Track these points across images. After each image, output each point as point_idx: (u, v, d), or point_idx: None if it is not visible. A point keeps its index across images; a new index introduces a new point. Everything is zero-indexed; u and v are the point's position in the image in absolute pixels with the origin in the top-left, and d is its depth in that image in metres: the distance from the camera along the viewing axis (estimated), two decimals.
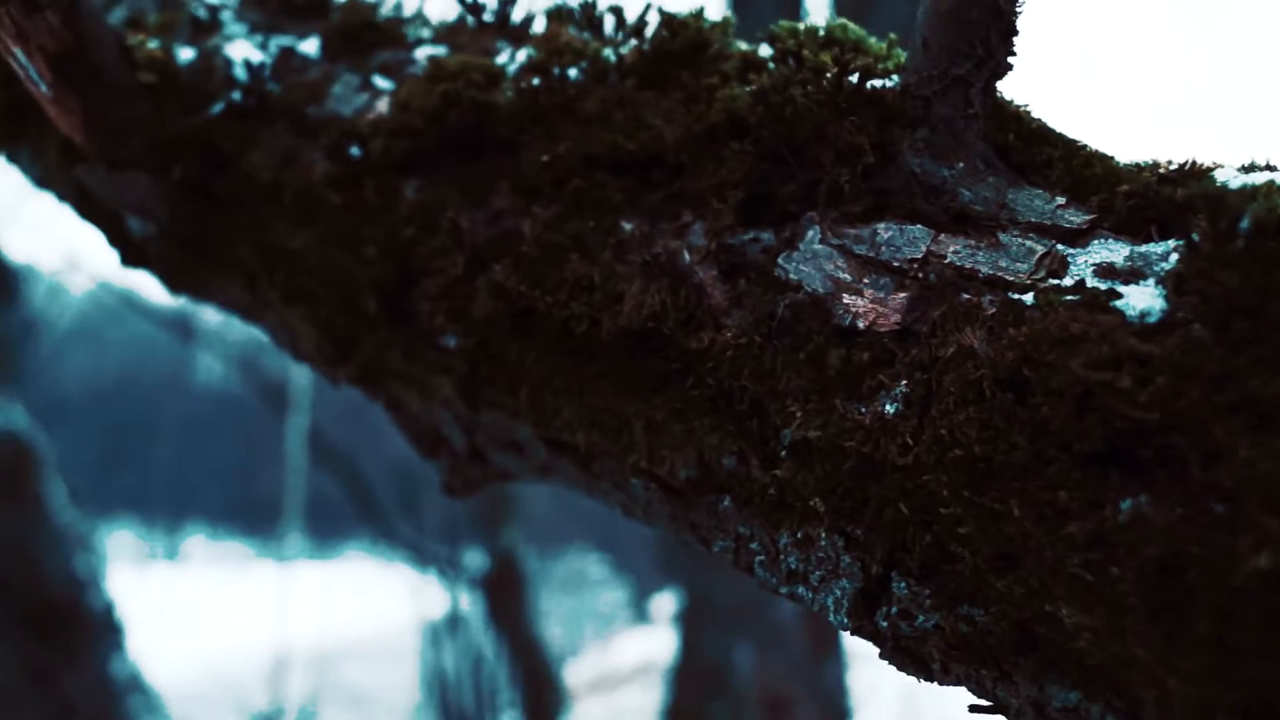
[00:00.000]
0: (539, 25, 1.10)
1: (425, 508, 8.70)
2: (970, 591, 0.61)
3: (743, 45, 0.91)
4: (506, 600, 8.92)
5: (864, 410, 0.65)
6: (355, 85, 1.02)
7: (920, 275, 0.67)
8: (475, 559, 9.02)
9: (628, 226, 0.79)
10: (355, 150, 0.94)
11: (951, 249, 0.68)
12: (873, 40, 0.82)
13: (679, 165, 0.79)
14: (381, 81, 1.01)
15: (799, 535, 0.68)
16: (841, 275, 0.69)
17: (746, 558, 0.72)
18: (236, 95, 1.03)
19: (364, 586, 10.50)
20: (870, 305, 0.67)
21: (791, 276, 0.71)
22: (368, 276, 0.91)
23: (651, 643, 11.89)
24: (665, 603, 12.91)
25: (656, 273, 0.73)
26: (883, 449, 0.64)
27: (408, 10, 1.18)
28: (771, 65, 0.86)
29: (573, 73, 0.91)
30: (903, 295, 0.66)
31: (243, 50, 1.10)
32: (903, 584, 0.64)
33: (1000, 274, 0.66)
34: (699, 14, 0.91)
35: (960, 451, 0.60)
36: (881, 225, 0.71)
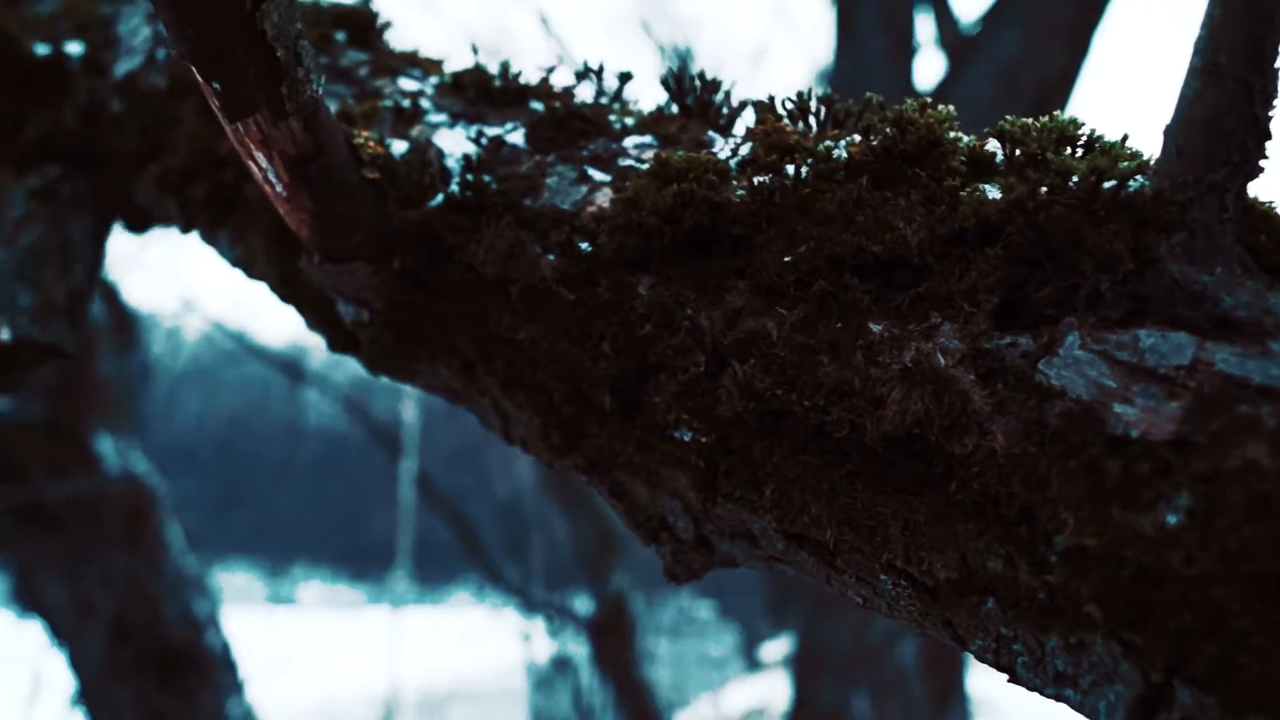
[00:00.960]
0: (746, 115, 1.15)
1: (532, 552, 8.79)
2: (1260, 700, 0.63)
3: (965, 138, 0.94)
4: (614, 645, 8.94)
5: (1144, 520, 0.68)
6: (571, 178, 1.06)
7: (1190, 384, 0.70)
8: (582, 603, 9.09)
9: (876, 328, 0.82)
10: (585, 246, 0.98)
11: (1219, 357, 0.70)
12: (1109, 139, 0.85)
13: (923, 267, 0.83)
14: (597, 174, 1.06)
15: (1071, 640, 0.70)
16: (1107, 382, 0.72)
17: (1008, 658, 0.75)
18: (454, 188, 1.09)
19: (472, 630, 10.64)
20: (1142, 414, 0.70)
21: (1054, 382, 0.74)
22: (602, 371, 0.95)
23: (762, 689, 11.79)
24: (775, 648, 12.81)
25: (918, 379, 0.77)
26: (1164, 559, 0.66)
27: (603, 94, 1.24)
28: (1000, 159, 0.89)
29: (793, 168, 0.95)
30: (1176, 405, 0.69)
31: (452, 142, 1.16)
32: (1186, 691, 0.66)
33: (1273, 384, 0.68)
34: (925, 105, 0.94)
35: (1251, 566, 0.63)
36: (1143, 332, 0.73)
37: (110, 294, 7.10)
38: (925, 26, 6.76)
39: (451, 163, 1.13)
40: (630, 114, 1.18)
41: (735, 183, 0.96)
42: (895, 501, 0.78)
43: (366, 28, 1.41)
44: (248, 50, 0.83)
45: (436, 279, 1.08)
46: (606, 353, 0.95)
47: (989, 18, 6.30)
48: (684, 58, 10.07)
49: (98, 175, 1.44)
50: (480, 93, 1.25)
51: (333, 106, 1.29)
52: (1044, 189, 0.79)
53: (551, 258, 1.00)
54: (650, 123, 1.14)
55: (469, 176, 1.10)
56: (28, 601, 6.85)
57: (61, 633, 6.70)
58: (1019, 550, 0.72)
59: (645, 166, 1.04)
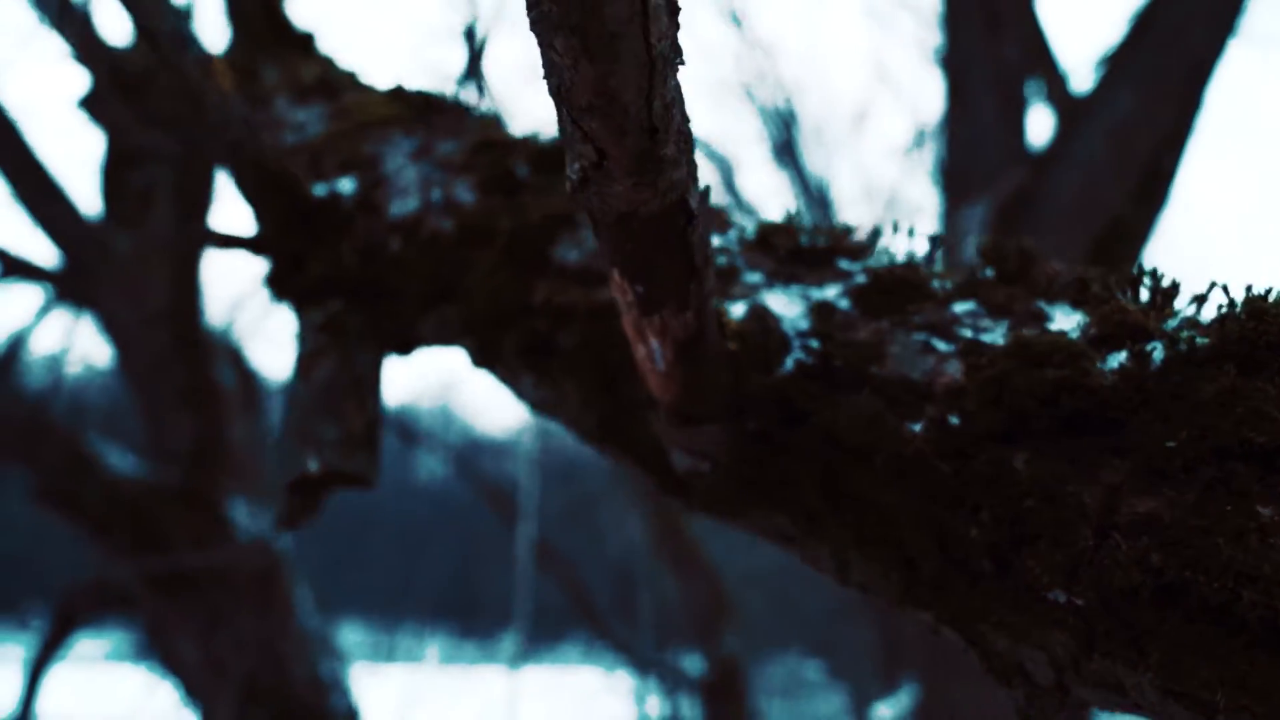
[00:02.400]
0: (1074, 288, 1.22)
1: (642, 611, 8.99)
2: None
3: None
4: (727, 706, 9.07)
5: None
6: (914, 347, 1.17)
7: None
8: (693, 662, 9.23)
9: (1265, 512, 0.92)
10: (954, 420, 1.09)
11: None
12: None
13: None
14: (940, 344, 1.16)
15: None
16: None
17: None
18: (799, 354, 1.19)
19: (584, 690, 10.84)
20: None
21: None
22: (976, 536, 1.06)
23: None
24: (888, 709, 12.75)
25: None
26: None
27: (911, 252, 1.33)
28: None
29: (1154, 353, 1.05)
30: None
31: (782, 305, 1.27)
32: None
33: None
34: (1265, 296, 1.04)
35: None
36: None
37: (238, 360, 7.57)
38: (1035, 86, 6.94)
39: (787, 327, 1.24)
40: (948, 279, 1.28)
41: (1097, 364, 1.07)
42: None
43: None
44: (670, 260, 0.97)
45: (786, 438, 1.19)
46: (985, 521, 1.05)
47: (1102, 79, 6.45)
48: (788, 121, 10.34)
49: (377, 309, 1.70)
50: (790, 252, 1.35)
51: None
52: None
53: (918, 428, 1.11)
54: (970, 288, 1.24)
55: (812, 343, 1.21)
56: (162, 661, 7.28)
57: (194, 692, 7.10)
58: None
59: (988, 339, 1.16)
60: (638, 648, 8.77)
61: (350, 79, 2.20)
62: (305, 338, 1.63)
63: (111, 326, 6.93)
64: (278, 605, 6.81)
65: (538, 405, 1.46)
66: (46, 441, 6.40)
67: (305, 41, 2.81)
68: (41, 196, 6.48)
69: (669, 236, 0.91)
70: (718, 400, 1.14)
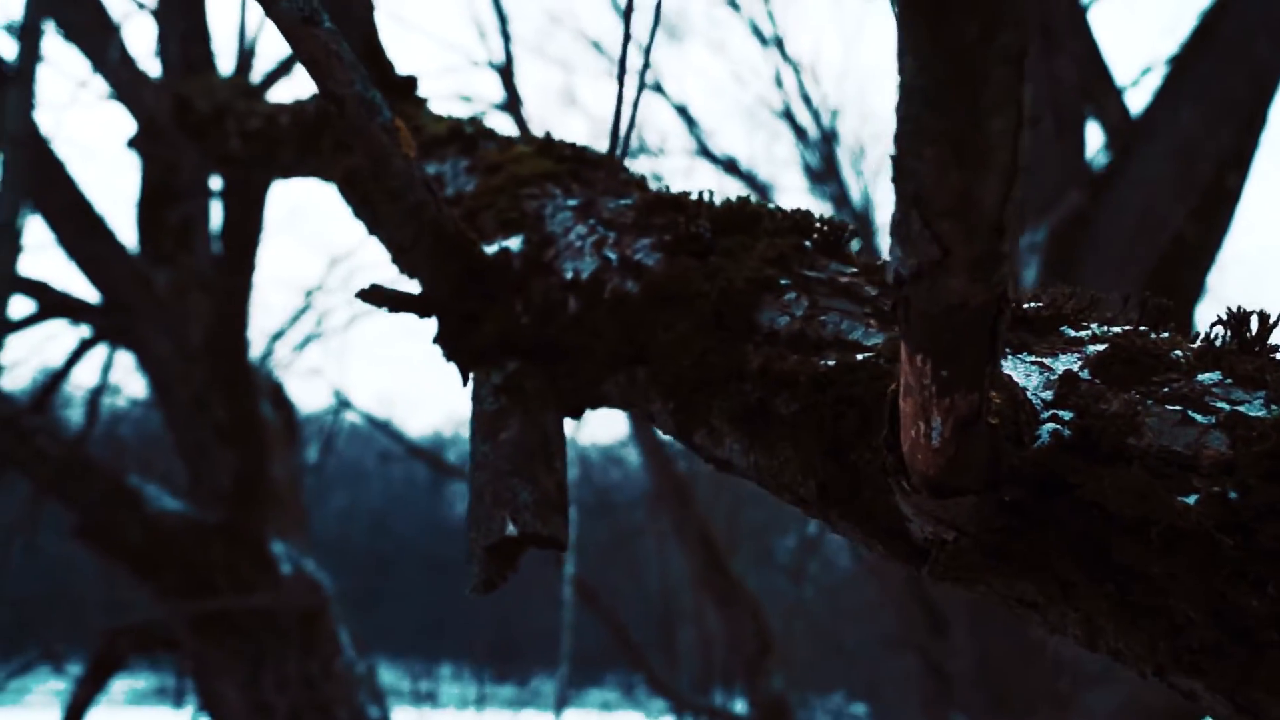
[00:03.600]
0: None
1: (683, 649, 9.03)
2: None
3: None
4: None
5: None
6: (1170, 418, 1.21)
7: None
8: (726, 698, 9.24)
9: None
10: (1232, 494, 1.13)
11: None
12: None
13: None
14: (1198, 416, 1.20)
15: None
16: None
17: None
18: (1052, 426, 1.23)
19: None
20: None
21: None
22: (1258, 609, 1.11)
23: None
24: None
25: None
26: None
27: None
28: None
29: None
30: None
31: (1022, 375, 1.30)
32: None
33: None
34: None
35: None
36: None
37: (279, 396, 7.64)
38: (1091, 105, 6.99)
39: (1032, 398, 1.28)
40: (1178, 344, 1.32)
41: None
42: None
43: (837, 237, 1.57)
44: (977, 345, 1.03)
45: (1042, 510, 1.23)
46: (1271, 594, 1.10)
47: (1161, 96, 6.50)
48: (829, 141, 10.41)
49: (554, 370, 1.76)
50: (1017, 319, 1.39)
51: (859, 331, 1.43)
52: None
53: (1192, 501, 1.15)
54: (1212, 358, 1.28)
55: (1064, 415, 1.25)
56: (205, 702, 7.32)
57: None
58: None
59: (1248, 410, 1.20)
60: (680, 689, 8.77)
61: (482, 129, 2.26)
62: (483, 398, 1.67)
63: (151, 363, 7.01)
64: (322, 645, 6.87)
65: (742, 470, 1.49)
66: (87, 478, 6.47)
67: (407, 86, 2.87)
68: (84, 234, 6.58)
69: (984, 324, 0.96)
70: (978, 474, 1.18)
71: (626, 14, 1.82)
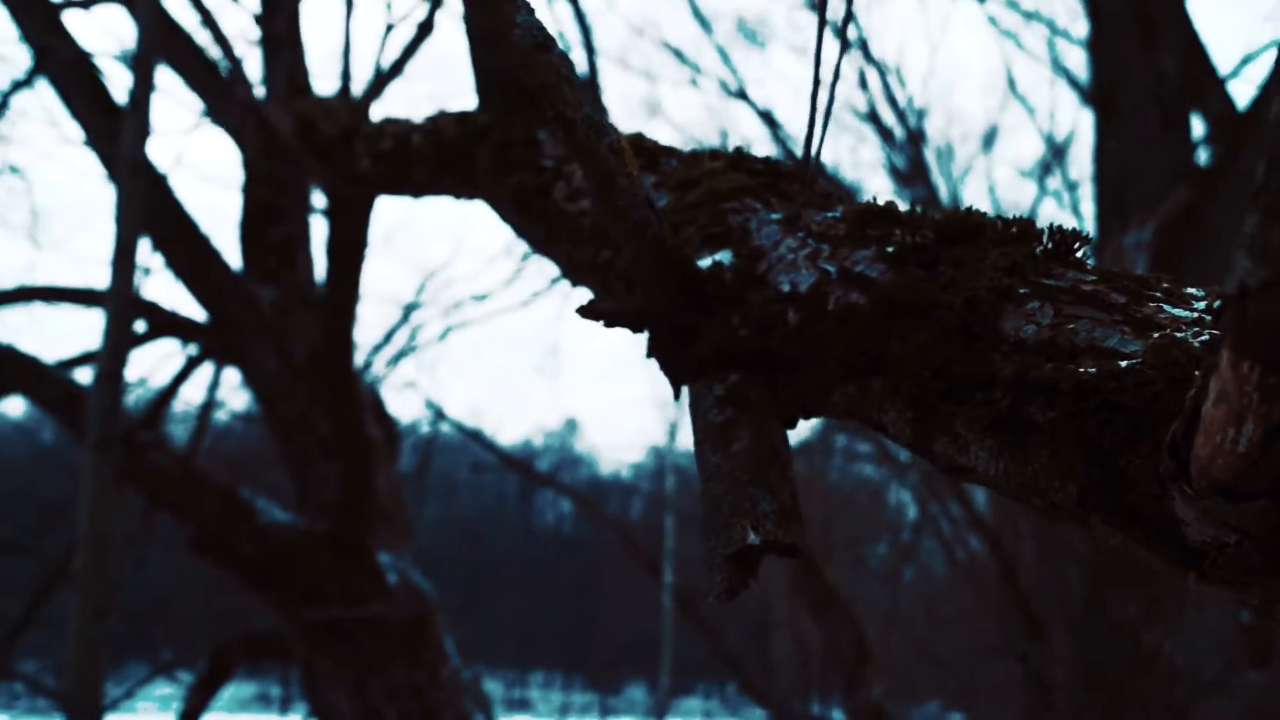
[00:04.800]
0: None
1: (779, 657, 9.04)
2: None
3: None
4: None
5: None
6: None
7: None
8: (827, 713, 9.23)
9: None
10: None
11: None
12: None
13: None
14: None
15: None
16: None
17: None
18: None
19: None
20: None
21: None
22: None
23: None
24: None
25: None
26: None
27: None
28: None
29: None
30: None
31: None
32: None
33: None
34: None
35: None
36: None
37: (379, 409, 7.77)
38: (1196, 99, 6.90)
39: None
40: None
41: None
42: None
43: (1068, 244, 1.56)
44: None
45: None
46: None
47: (1269, 85, 6.40)
48: (917, 140, 10.38)
49: (775, 381, 1.83)
50: None
51: (1114, 338, 1.42)
52: None
53: None
54: None
55: None
56: (316, 709, 7.46)
57: None
58: None
59: None
60: (778, 698, 8.79)
61: (658, 145, 2.31)
62: (707, 409, 1.72)
63: (256, 379, 7.17)
64: (428, 653, 6.99)
65: (985, 476, 1.51)
66: (201, 491, 6.64)
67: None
68: (190, 254, 6.75)
69: None
70: (1274, 479, 1.20)
71: (819, 27, 1.86)
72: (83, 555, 5.08)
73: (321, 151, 4.07)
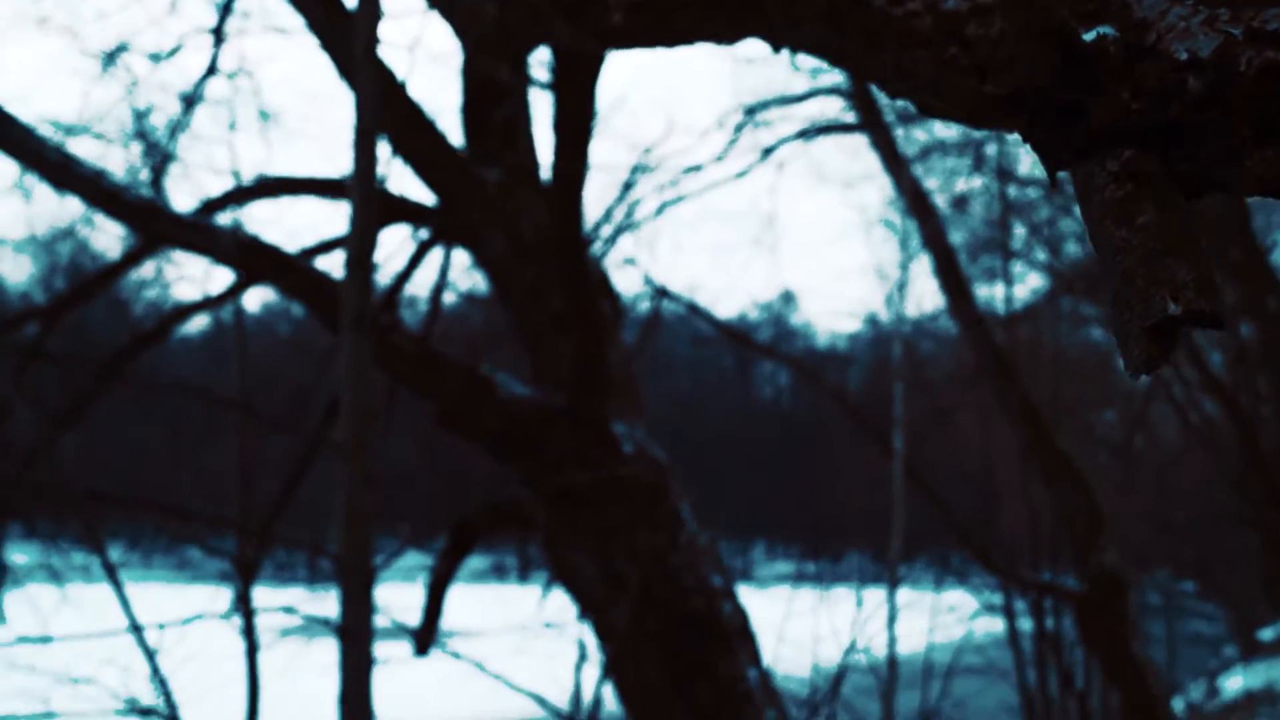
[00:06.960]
0: None
1: (1006, 530, 8.98)
2: None
3: None
4: (1108, 622, 8.90)
5: None
6: None
7: None
8: (1055, 579, 9.11)
9: None
10: None
11: None
12: None
13: None
14: None
15: None
16: None
17: None
18: None
19: (951, 609, 10.93)
20: None
21: None
22: None
23: (1255, 674, 11.25)
24: (1271, 633, 12.17)
25: None
26: None
27: None
28: None
29: None
30: None
31: None
32: None
33: None
34: None
35: None
36: None
37: (604, 284, 7.95)
38: None
39: None
40: None
41: None
42: None
43: None
44: None
45: None
46: None
47: None
48: None
49: (1172, 153, 1.73)
50: None
51: None
52: None
53: None
54: None
55: None
56: (560, 577, 7.83)
57: (590, 605, 7.61)
58: None
59: None
60: (1009, 565, 8.72)
61: None
62: (1102, 185, 1.69)
63: (487, 259, 7.41)
64: (666, 518, 7.20)
65: None
66: (442, 369, 6.95)
67: None
68: (417, 140, 6.97)
69: None
70: None
71: None
72: (346, 426, 5.37)
73: (569, 7, 4.13)
